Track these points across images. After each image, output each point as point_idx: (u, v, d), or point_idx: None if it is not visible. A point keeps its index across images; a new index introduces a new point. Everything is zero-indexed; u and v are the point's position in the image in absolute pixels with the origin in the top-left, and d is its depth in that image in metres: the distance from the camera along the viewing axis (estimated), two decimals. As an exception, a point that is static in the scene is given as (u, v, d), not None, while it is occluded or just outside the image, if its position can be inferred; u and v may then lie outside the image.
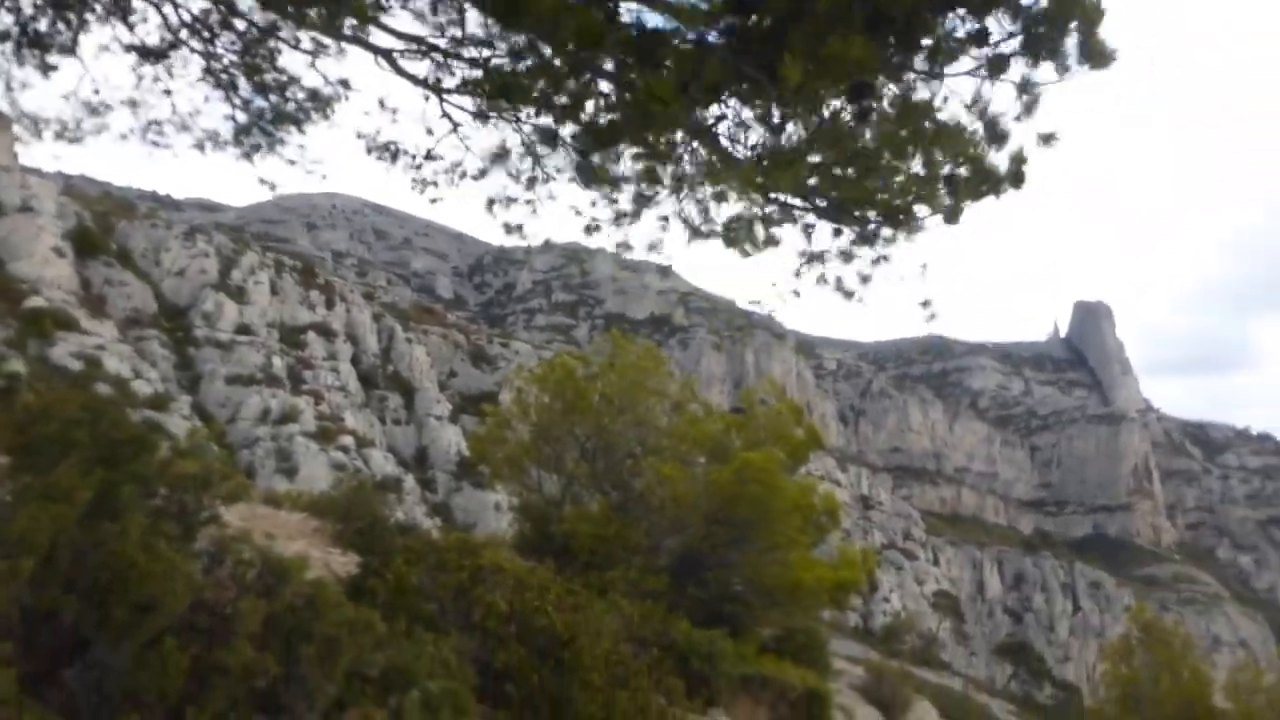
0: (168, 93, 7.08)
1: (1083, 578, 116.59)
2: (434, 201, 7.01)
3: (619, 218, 5.98)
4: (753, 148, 4.43)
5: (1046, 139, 4.16)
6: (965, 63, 4.05)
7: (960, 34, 3.99)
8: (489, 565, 6.54)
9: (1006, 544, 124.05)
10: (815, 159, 4.24)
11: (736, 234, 4.91)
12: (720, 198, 4.95)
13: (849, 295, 5.16)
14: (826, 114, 4.19)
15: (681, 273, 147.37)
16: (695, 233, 5.47)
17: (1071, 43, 3.82)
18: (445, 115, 6.26)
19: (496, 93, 5.50)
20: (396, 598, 5.80)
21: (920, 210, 4.50)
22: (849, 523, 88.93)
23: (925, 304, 5.11)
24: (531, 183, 6.31)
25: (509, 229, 6.92)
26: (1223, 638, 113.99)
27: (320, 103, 7.02)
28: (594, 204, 6.11)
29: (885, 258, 4.99)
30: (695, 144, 4.76)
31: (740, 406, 16.10)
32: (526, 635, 5.88)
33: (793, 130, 4.29)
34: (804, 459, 13.17)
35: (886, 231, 4.67)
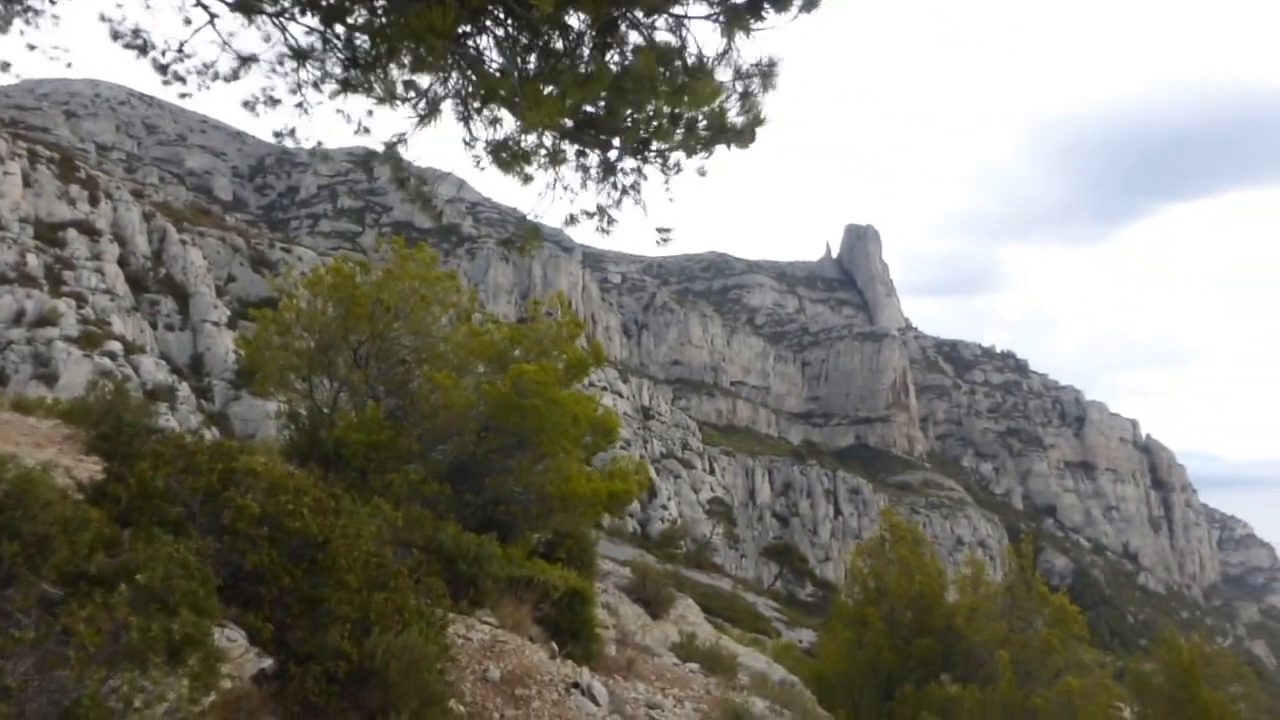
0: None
1: (844, 484, 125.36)
2: (183, 96, 6.60)
3: (399, 136, 5.85)
4: (519, 71, 4.45)
5: (766, 76, 4.38)
6: (703, 8, 4.20)
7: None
8: (243, 469, 6.40)
9: (777, 454, 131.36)
10: (570, 90, 4.31)
11: (501, 156, 4.93)
12: (489, 119, 4.94)
13: (603, 222, 5.31)
14: (575, 45, 4.26)
15: (472, 183, 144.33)
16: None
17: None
18: (200, 4, 5.87)
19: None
20: (140, 501, 5.61)
21: (662, 147, 4.67)
22: (629, 433, 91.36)
23: (661, 230, 5.30)
24: (298, 87, 6.04)
25: (278, 135, 6.65)
26: (964, 538, 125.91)
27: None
28: (370, 113, 5.97)
29: (633, 187, 5.15)
30: (464, 63, 4.72)
31: (526, 317, 16.15)
32: (279, 537, 5.84)
33: (550, 57, 4.34)
34: (584, 373, 13.43)
35: (630, 163, 4.83)
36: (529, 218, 5.29)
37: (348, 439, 12.06)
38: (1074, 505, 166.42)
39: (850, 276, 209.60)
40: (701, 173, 4.73)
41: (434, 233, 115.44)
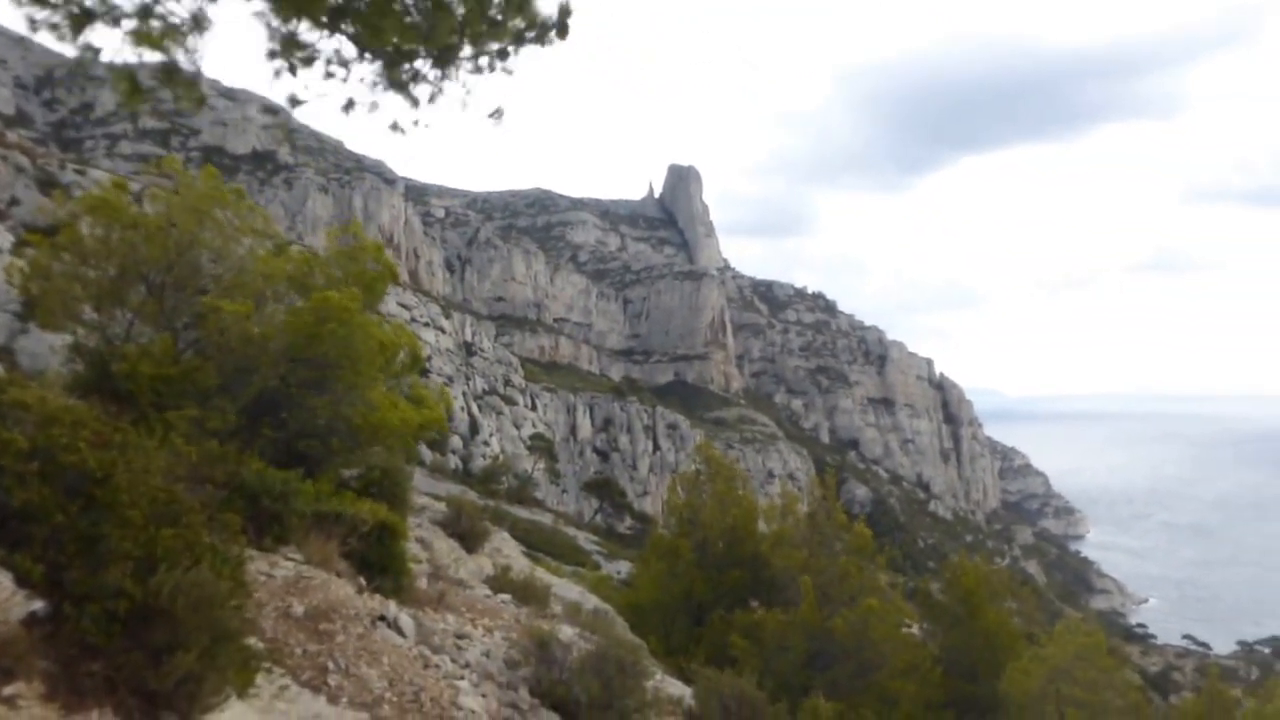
0: None
1: (663, 420, 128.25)
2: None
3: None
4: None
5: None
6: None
7: None
8: (11, 401, 5.95)
9: (598, 390, 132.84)
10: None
11: (279, 60, 4.64)
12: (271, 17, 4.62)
13: (399, 131, 5.11)
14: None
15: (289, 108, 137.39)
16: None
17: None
18: None
19: None
20: (-114, 437, 5.14)
21: (466, 52, 4.51)
22: (452, 369, 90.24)
23: (492, 116, 5.11)
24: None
25: (33, 24, 6.03)
26: (775, 471, 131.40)
27: None
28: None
29: (439, 92, 4.97)
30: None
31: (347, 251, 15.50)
32: (52, 473, 5.47)
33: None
34: (380, 294, 13.09)
35: (434, 71, 4.64)
36: (286, 105, 4.98)
37: (137, 372, 11.40)
38: (875, 439, 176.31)
39: (672, 216, 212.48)
40: (504, 56, 4.56)
41: (247, 159, 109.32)
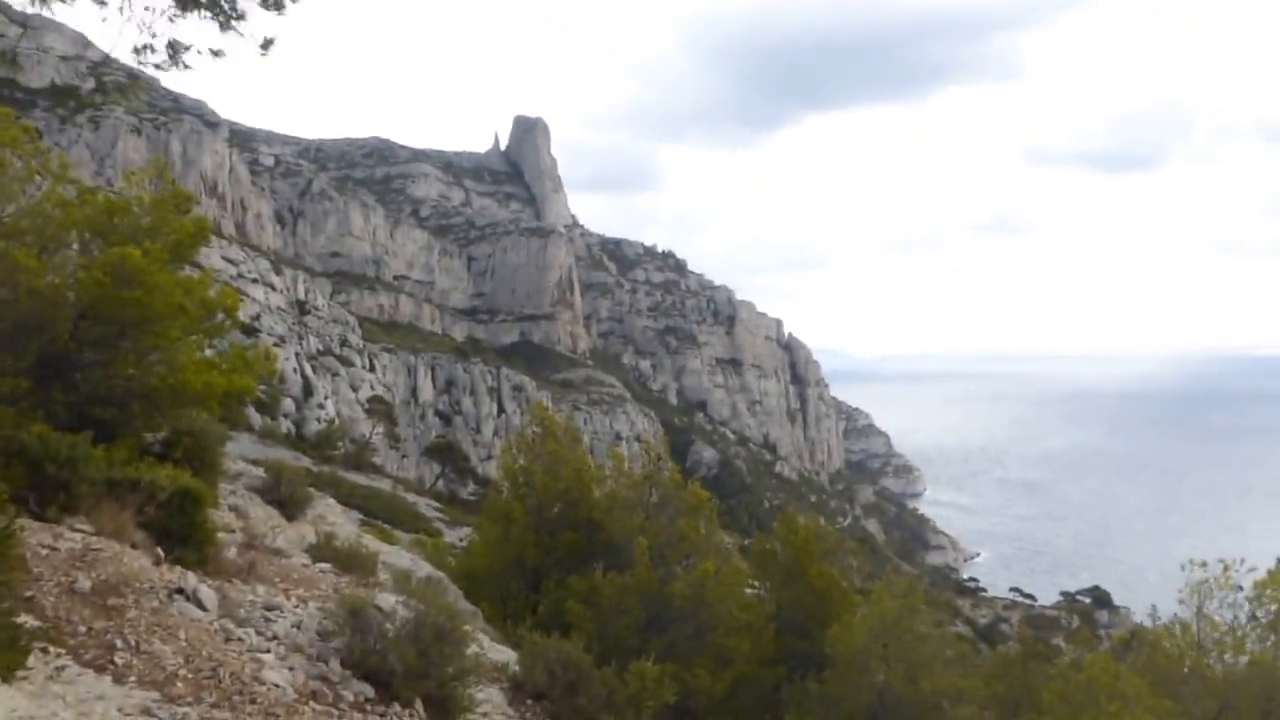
0: None
1: (508, 382, 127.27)
2: None
3: None
4: None
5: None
6: None
7: None
8: None
9: (440, 350, 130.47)
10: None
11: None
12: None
13: (176, 64, 4.62)
14: None
15: (96, 40, 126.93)
16: None
17: None
18: None
19: None
20: None
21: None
22: (284, 328, 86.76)
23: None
24: None
25: None
26: (623, 433, 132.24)
27: None
28: None
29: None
30: None
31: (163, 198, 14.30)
32: None
33: None
34: (192, 252, 12.16)
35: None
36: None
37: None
38: (723, 400, 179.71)
39: (518, 170, 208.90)
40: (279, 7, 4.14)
41: (46, 94, 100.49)
